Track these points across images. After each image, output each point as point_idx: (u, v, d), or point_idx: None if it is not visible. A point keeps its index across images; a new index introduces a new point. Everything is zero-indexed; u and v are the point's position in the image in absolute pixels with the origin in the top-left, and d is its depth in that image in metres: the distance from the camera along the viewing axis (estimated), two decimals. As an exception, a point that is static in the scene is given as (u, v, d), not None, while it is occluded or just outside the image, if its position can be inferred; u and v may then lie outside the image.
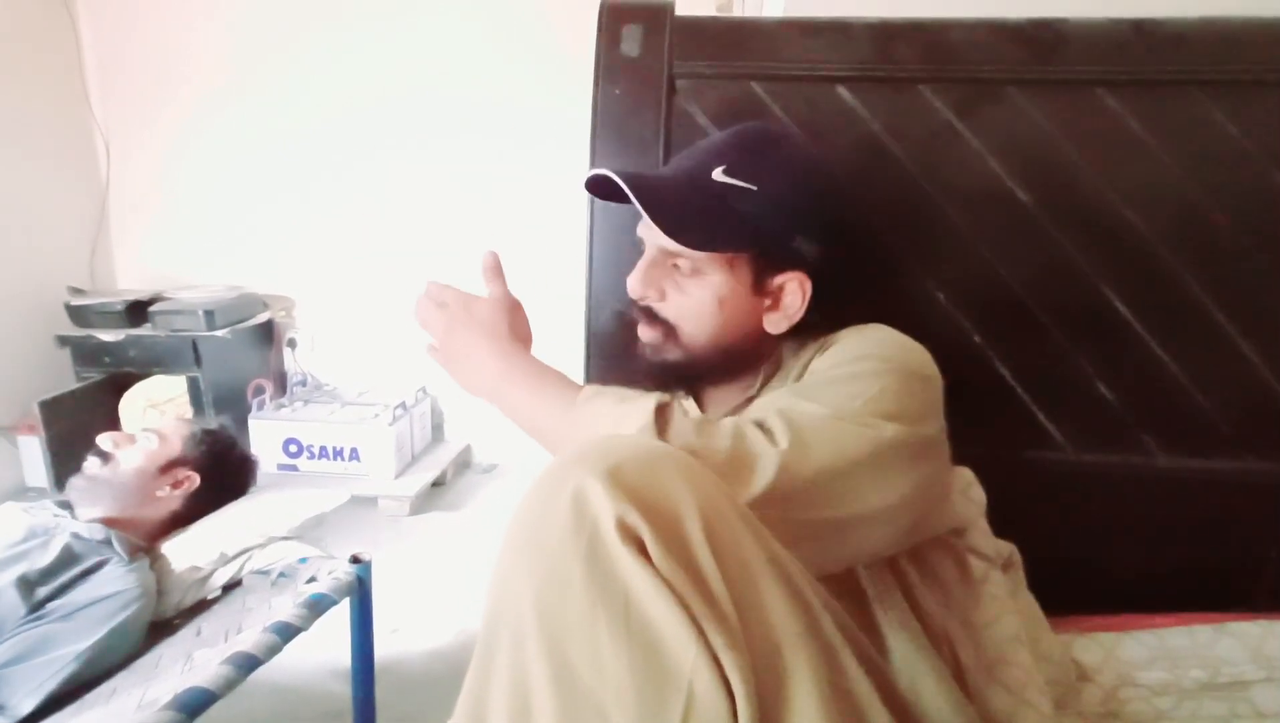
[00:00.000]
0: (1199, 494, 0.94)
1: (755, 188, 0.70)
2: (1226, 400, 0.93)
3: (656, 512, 0.44)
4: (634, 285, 0.75)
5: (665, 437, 0.59)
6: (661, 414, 0.61)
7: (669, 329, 0.75)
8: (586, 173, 0.75)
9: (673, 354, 0.75)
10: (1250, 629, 0.89)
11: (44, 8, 2.52)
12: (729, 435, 0.58)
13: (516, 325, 0.76)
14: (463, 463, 2.76)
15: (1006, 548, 0.88)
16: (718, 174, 0.71)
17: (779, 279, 0.73)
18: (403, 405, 2.53)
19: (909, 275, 0.95)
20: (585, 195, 0.80)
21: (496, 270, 0.78)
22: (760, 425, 0.60)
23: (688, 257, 0.72)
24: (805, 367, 0.72)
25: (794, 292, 0.73)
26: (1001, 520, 0.87)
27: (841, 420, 0.60)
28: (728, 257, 0.72)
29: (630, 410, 0.62)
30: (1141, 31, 0.90)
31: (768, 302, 0.74)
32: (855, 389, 0.63)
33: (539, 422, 0.70)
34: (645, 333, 0.77)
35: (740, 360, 0.76)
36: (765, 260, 0.73)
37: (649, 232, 0.74)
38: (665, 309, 0.75)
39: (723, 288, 0.72)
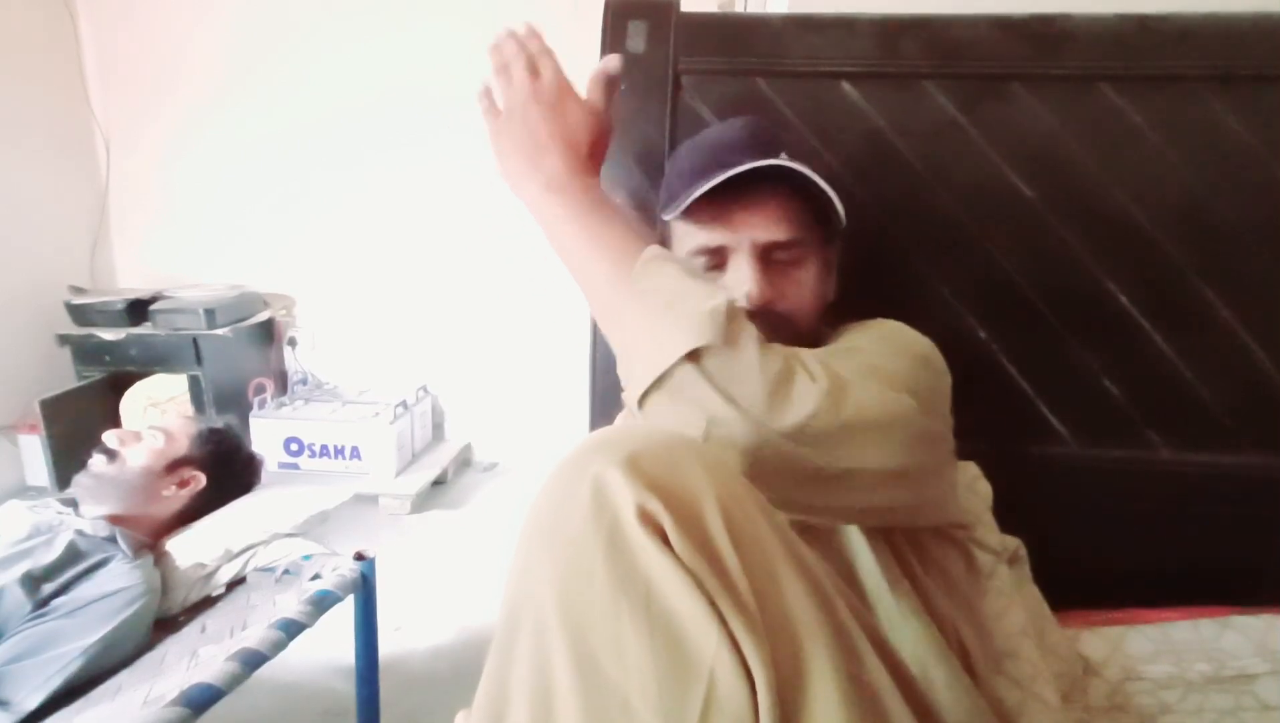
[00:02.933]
0: (1203, 489, 0.95)
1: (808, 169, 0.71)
2: (1231, 395, 0.93)
3: (676, 500, 0.44)
4: (759, 292, 0.70)
5: (735, 327, 0.56)
6: (734, 307, 0.57)
7: (783, 324, 0.71)
8: (731, 171, 0.68)
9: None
10: (1254, 623, 0.89)
11: (44, 7, 2.52)
12: (781, 357, 0.56)
13: (596, 150, 0.70)
14: (463, 461, 2.77)
15: (1012, 542, 0.88)
16: (784, 159, 0.70)
17: (830, 250, 0.78)
18: (403, 404, 2.53)
19: (914, 270, 0.95)
20: None
21: (609, 84, 0.72)
22: (801, 362, 0.58)
23: (797, 244, 0.72)
24: None
25: (832, 259, 0.78)
26: (1007, 515, 0.88)
27: (872, 379, 0.60)
28: (820, 235, 0.75)
29: (699, 289, 0.58)
30: (1145, 27, 0.90)
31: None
32: (875, 363, 0.64)
33: (587, 267, 0.64)
34: None
35: (812, 341, 0.73)
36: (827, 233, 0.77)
37: (747, 231, 0.71)
38: (784, 305, 0.72)
39: (816, 265, 0.75)
